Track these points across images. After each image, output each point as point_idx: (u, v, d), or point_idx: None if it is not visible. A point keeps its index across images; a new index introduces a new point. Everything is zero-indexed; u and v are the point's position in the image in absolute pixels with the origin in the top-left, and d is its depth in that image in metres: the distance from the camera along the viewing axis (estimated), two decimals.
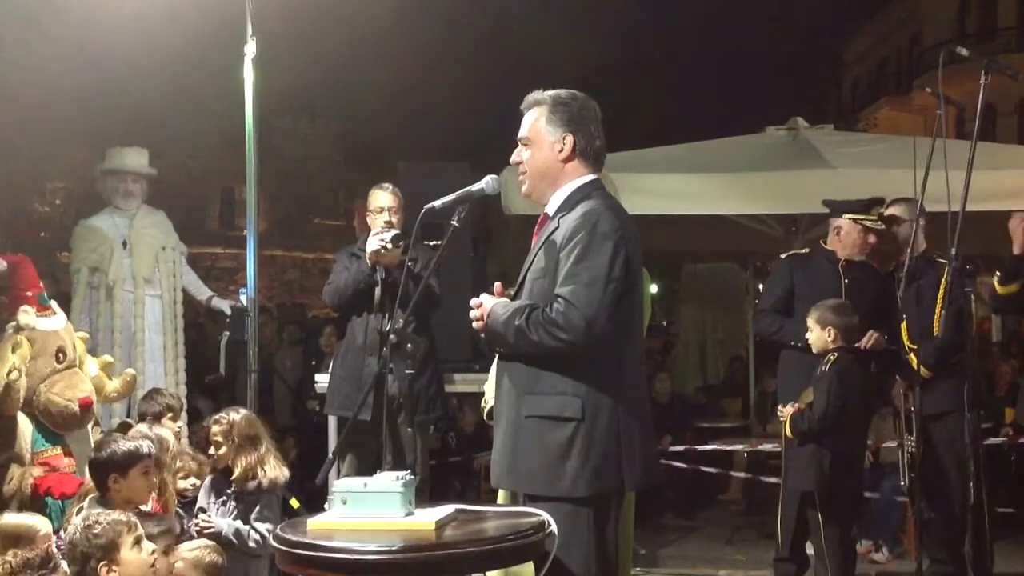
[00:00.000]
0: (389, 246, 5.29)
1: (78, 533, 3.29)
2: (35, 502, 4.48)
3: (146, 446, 4.00)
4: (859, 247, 5.55)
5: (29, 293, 4.89)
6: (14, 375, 4.57)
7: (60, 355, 4.76)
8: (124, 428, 4.89)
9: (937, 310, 5.02)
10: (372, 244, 5.34)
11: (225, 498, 4.58)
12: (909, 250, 4.89)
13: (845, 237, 5.57)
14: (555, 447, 3.11)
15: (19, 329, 4.74)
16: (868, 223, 5.53)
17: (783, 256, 5.81)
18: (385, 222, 5.47)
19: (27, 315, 4.77)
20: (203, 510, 4.49)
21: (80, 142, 12.92)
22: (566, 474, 3.09)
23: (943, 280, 5.03)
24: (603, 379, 3.14)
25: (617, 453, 3.13)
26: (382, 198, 5.56)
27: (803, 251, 5.77)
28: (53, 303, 4.97)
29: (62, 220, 15.65)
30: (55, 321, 4.87)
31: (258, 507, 4.52)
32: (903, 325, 5.28)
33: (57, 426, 4.74)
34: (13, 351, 4.66)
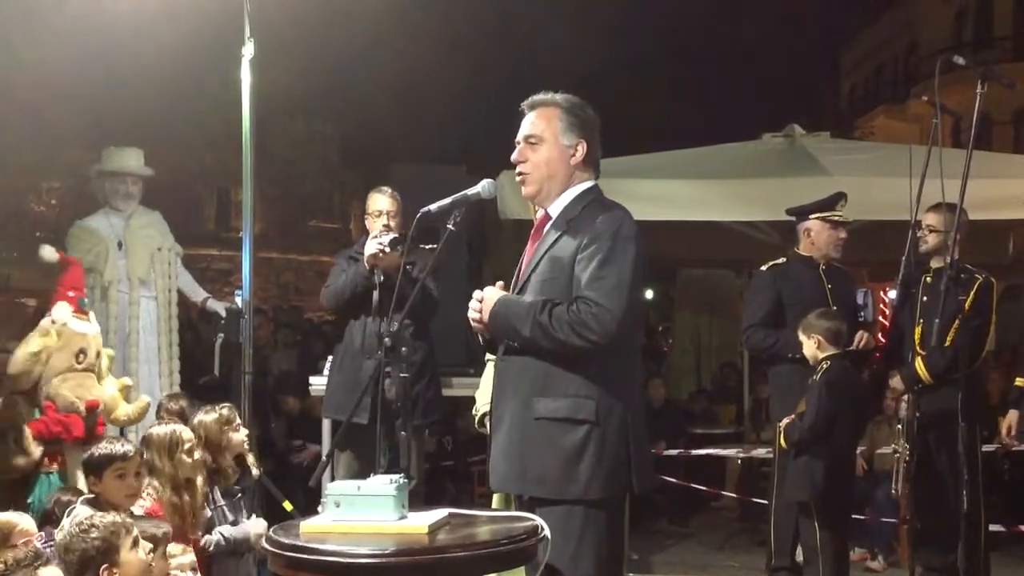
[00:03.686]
0: (387, 249, 5.28)
1: (73, 537, 3.25)
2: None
3: (121, 448, 3.98)
4: (833, 244, 5.59)
5: (71, 293, 5.04)
6: (40, 354, 4.75)
7: (81, 355, 4.89)
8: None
9: (955, 323, 5.01)
10: (370, 247, 5.33)
11: (236, 496, 4.65)
12: (904, 257, 4.89)
13: (817, 237, 5.60)
14: (568, 450, 3.10)
15: (52, 320, 4.86)
16: (836, 218, 5.56)
17: (763, 269, 5.80)
18: (384, 226, 5.47)
19: (62, 310, 4.91)
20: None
21: (76, 142, 12.92)
22: (579, 477, 3.09)
23: (971, 294, 5.05)
24: (614, 381, 3.15)
25: (627, 455, 3.15)
26: (380, 201, 5.57)
27: (780, 261, 5.77)
28: (91, 313, 5.14)
29: (58, 220, 15.63)
30: (87, 326, 5.03)
31: (252, 502, 4.60)
32: (917, 329, 5.29)
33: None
34: (41, 336, 4.83)
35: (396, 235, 5.37)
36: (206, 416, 4.67)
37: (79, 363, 4.85)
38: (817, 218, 5.59)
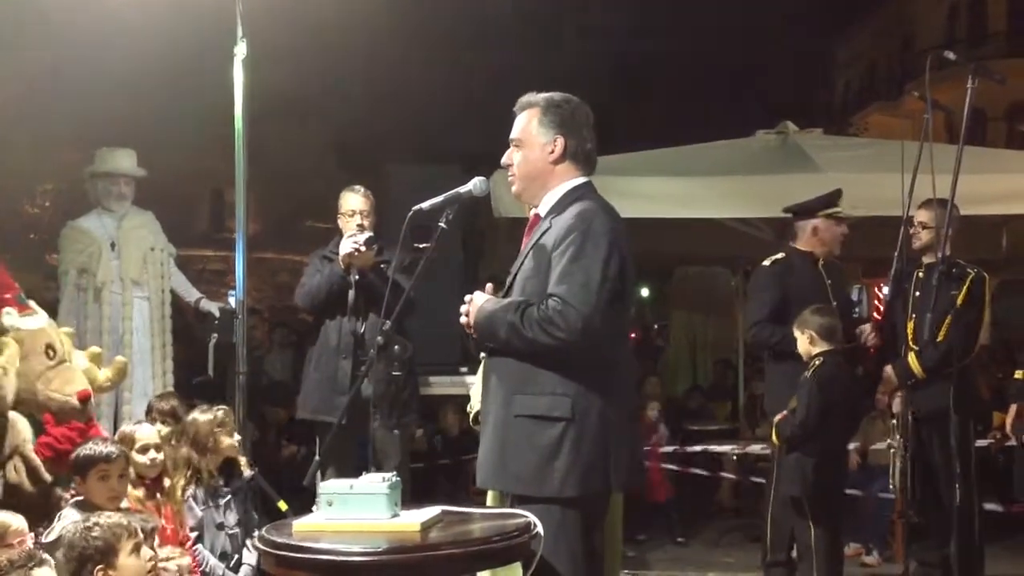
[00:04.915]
0: (363, 248, 5.30)
1: (77, 533, 3.27)
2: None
3: (105, 449, 3.98)
4: (838, 241, 5.60)
5: (8, 295, 4.86)
6: (7, 368, 4.54)
7: (50, 351, 4.74)
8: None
9: (948, 318, 5.02)
10: (345, 246, 5.35)
11: (225, 497, 4.65)
12: (896, 253, 4.90)
13: (824, 234, 5.60)
14: (544, 447, 3.11)
15: (3, 331, 4.70)
16: (841, 215, 5.58)
17: (767, 264, 5.78)
18: (357, 225, 5.48)
19: (10, 316, 4.74)
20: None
21: (70, 144, 12.90)
22: (555, 474, 3.09)
23: (963, 289, 5.06)
24: (593, 379, 3.14)
25: (605, 454, 3.14)
26: (353, 200, 5.58)
27: (781, 256, 5.76)
28: (31, 302, 4.94)
29: (51, 221, 15.61)
30: (38, 319, 4.84)
31: (245, 504, 4.59)
32: (910, 324, 5.30)
33: (59, 422, 4.74)
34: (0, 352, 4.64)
35: (371, 234, 5.39)
36: (200, 415, 4.68)
37: (51, 359, 4.68)
38: (824, 215, 5.60)
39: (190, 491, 4.54)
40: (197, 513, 4.51)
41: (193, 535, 4.47)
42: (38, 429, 4.70)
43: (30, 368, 4.66)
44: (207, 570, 4.43)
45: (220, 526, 4.59)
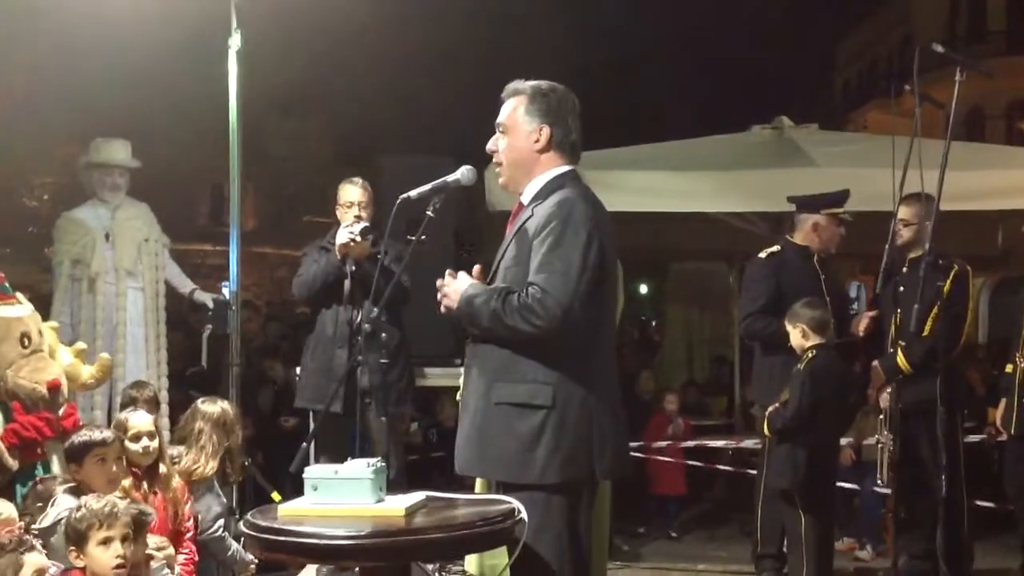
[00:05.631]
0: (359, 238, 5.35)
1: (72, 511, 3.39)
2: None
3: (100, 434, 4.01)
4: (836, 241, 5.61)
5: None
6: None
7: (25, 340, 4.73)
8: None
9: (934, 310, 5.04)
10: (342, 236, 5.40)
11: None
12: (887, 246, 4.91)
13: (823, 232, 5.60)
14: (525, 435, 3.12)
15: None
16: (845, 216, 5.59)
17: (762, 256, 5.78)
18: (355, 216, 5.52)
19: None
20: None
21: (68, 137, 12.90)
22: (536, 462, 3.10)
23: (948, 281, 5.08)
24: (574, 367, 3.14)
25: (588, 441, 3.14)
26: (351, 192, 5.63)
27: (776, 249, 5.76)
28: (18, 294, 4.95)
29: (49, 215, 15.62)
30: (19, 309, 4.84)
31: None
32: (894, 319, 5.31)
33: (28, 410, 4.72)
34: None
35: (367, 224, 5.43)
36: (224, 406, 4.73)
37: (25, 348, 4.69)
38: (828, 213, 5.60)
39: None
40: (224, 500, 4.57)
41: (221, 521, 4.54)
42: (8, 418, 4.71)
43: (2, 354, 4.66)
44: (232, 554, 4.52)
45: (231, 510, 4.65)
